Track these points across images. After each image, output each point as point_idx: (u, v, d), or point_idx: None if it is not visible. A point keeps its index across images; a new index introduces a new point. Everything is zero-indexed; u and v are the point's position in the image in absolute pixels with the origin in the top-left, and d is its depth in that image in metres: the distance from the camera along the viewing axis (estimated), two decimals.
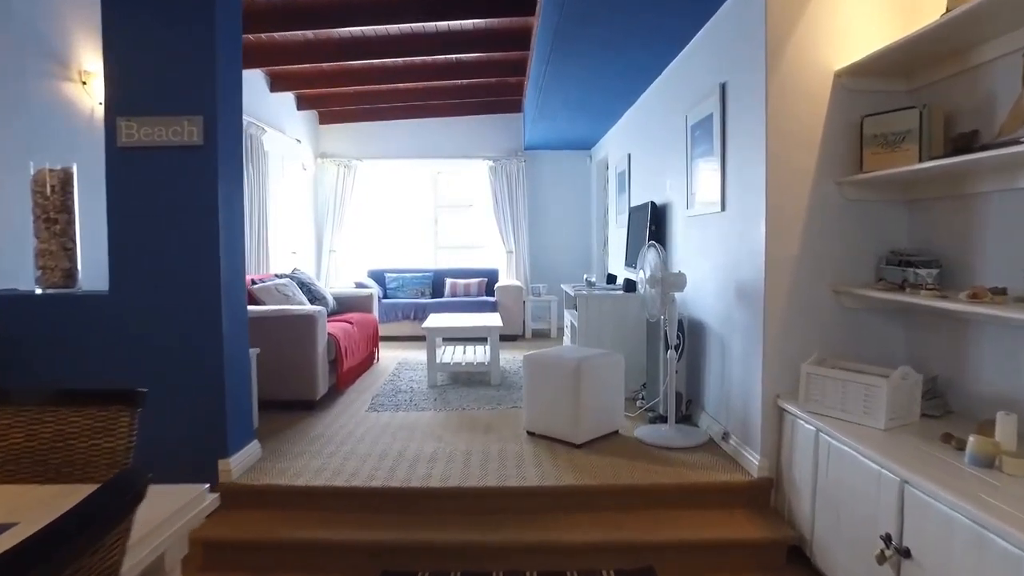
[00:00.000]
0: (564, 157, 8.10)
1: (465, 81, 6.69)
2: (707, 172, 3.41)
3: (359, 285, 7.12)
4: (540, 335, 7.53)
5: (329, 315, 5.36)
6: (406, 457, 3.20)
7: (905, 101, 2.55)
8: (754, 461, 2.83)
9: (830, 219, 2.72)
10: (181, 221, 2.83)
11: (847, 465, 2.16)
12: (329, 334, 4.38)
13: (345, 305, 5.80)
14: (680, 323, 3.62)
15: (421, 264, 8.16)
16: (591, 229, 8.07)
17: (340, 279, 7.87)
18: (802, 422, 2.52)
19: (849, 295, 2.70)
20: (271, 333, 4.05)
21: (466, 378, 5.03)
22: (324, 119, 7.93)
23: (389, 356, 6.12)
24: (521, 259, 7.95)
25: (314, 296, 5.31)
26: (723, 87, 3.21)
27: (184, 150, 2.79)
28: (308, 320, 4.04)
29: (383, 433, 3.61)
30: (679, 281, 3.25)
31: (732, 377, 3.13)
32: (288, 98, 6.86)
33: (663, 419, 3.57)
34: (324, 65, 6.10)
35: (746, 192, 2.91)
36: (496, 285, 7.21)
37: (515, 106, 7.54)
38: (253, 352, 3.62)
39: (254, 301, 4.50)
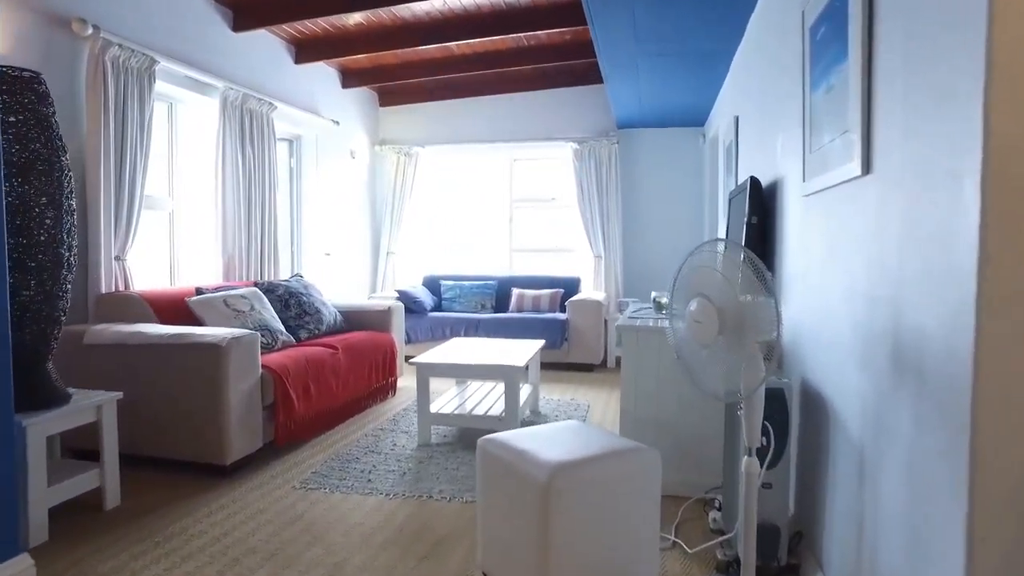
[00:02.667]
0: (668, 136, 6.34)
1: (529, 34, 5.23)
2: (835, 102, 1.68)
3: (402, 295, 5.90)
4: None
5: (323, 334, 4.14)
6: None
7: None
8: None
9: None
10: None
11: None
12: (266, 369, 3.13)
13: (357, 322, 4.57)
14: (779, 393, 1.91)
15: (491, 270, 6.79)
16: (703, 227, 6.23)
17: (399, 286, 6.72)
18: None
19: None
20: (168, 367, 2.86)
21: (475, 438, 3.56)
22: (385, 101, 6.84)
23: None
24: (612, 266, 6.32)
25: (303, 310, 4.12)
26: None
27: None
28: (211, 351, 2.79)
29: (269, 540, 2.26)
30: (757, 317, 1.55)
31: (886, 537, 1.39)
32: (327, 73, 5.80)
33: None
34: (349, 24, 4.94)
35: (927, 121, 1.19)
36: (570, 299, 5.65)
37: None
38: (104, 398, 2.43)
39: (192, 318, 3.37)
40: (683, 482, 2.67)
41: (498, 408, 3.51)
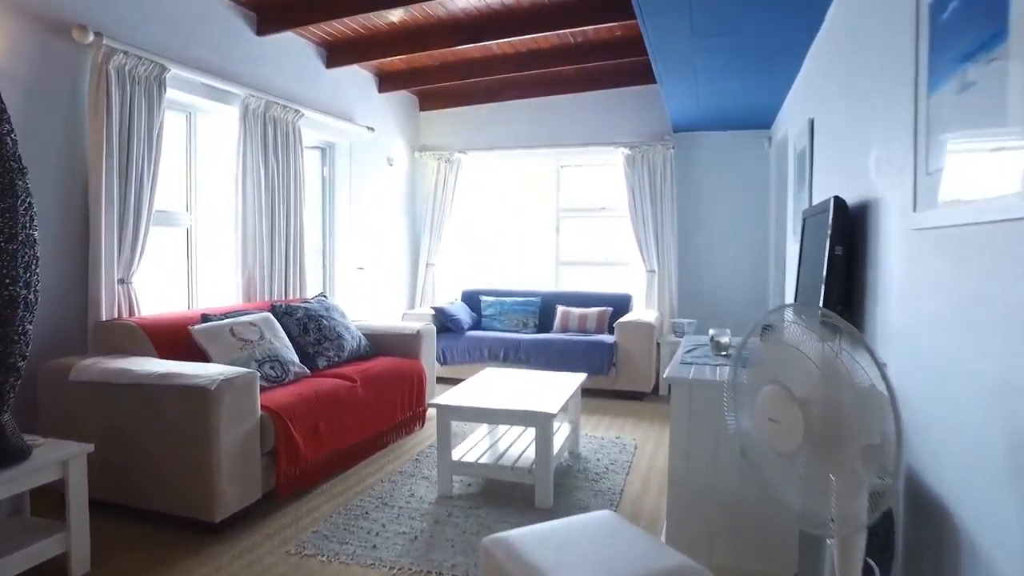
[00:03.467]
0: (729, 140, 5.76)
1: (575, 30, 4.78)
2: (976, 105, 1.18)
3: (438, 312, 5.54)
4: None
5: (343, 362, 3.81)
6: None
7: None
8: None
9: None
10: None
11: None
12: (267, 411, 2.79)
13: (384, 346, 4.22)
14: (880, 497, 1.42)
15: (535, 285, 6.36)
16: (768, 241, 5.64)
17: (439, 300, 6.38)
18: None
19: None
20: (154, 410, 2.56)
21: (504, 490, 3.13)
22: (425, 105, 6.52)
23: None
24: (666, 282, 5.79)
25: (323, 336, 3.79)
26: None
27: None
28: (198, 395, 2.47)
29: None
30: (863, 414, 1.08)
31: None
32: (361, 77, 5.51)
33: None
34: (382, 25, 4.61)
35: None
36: (618, 320, 5.16)
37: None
38: (71, 452, 2.14)
39: (196, 349, 3.08)
40: (748, 572, 2.18)
41: (532, 453, 3.08)
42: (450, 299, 6.23)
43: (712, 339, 2.78)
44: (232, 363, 3.05)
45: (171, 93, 3.65)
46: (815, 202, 3.20)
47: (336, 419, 3.21)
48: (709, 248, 5.88)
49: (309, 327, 3.79)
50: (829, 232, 2.17)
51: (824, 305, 2.15)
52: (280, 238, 4.35)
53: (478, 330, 5.65)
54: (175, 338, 3.08)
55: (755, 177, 5.72)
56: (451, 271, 6.60)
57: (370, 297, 5.71)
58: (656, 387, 5.22)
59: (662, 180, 5.74)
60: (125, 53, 3.19)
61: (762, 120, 5.38)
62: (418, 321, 5.42)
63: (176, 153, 3.94)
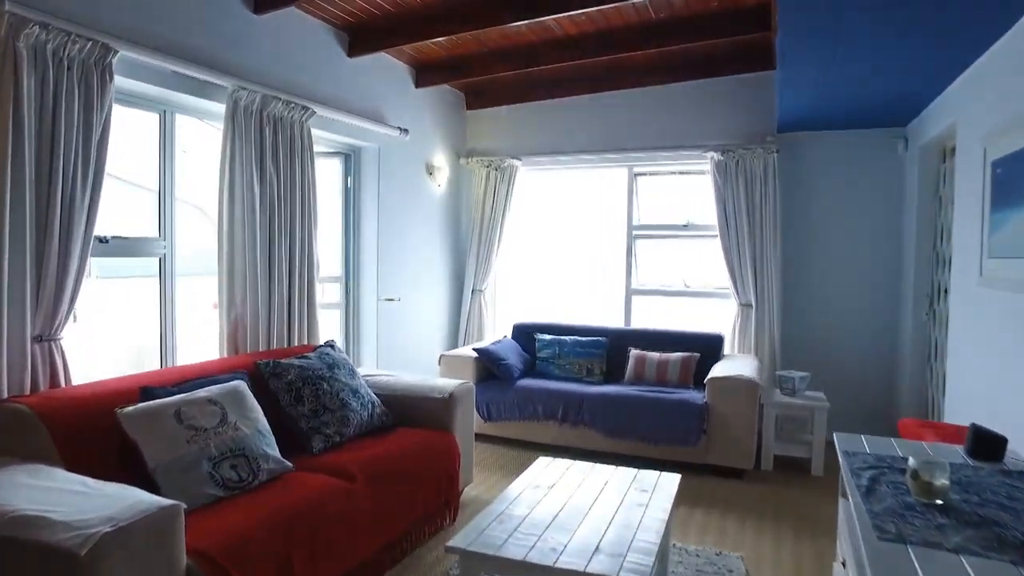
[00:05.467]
0: (850, 142, 4.53)
1: None
2: None
3: (482, 354, 4.51)
4: (789, 467, 4.09)
5: (348, 440, 2.84)
6: None
7: None
8: None
9: None
10: None
11: None
12: (199, 559, 1.81)
13: (406, 412, 3.21)
14: None
15: (602, 318, 5.27)
16: (904, 275, 4.37)
17: (486, 335, 5.39)
18: None
19: None
20: (8, 571, 1.63)
21: None
22: (473, 103, 5.54)
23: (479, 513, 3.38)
24: (766, 321, 4.60)
25: (321, 405, 2.83)
26: None
27: None
28: (60, 563, 1.51)
29: None
30: None
31: None
32: (394, 68, 4.57)
33: None
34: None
35: None
36: (710, 376, 4.00)
37: (760, 55, 4.24)
38: None
39: (127, 443, 2.15)
40: None
41: None
42: (498, 336, 5.21)
43: (915, 475, 1.64)
44: (173, 463, 2.11)
45: (133, 85, 2.81)
46: None
47: (322, 543, 2.22)
48: (821, 279, 4.65)
49: (303, 394, 2.83)
50: None
51: None
52: (281, 270, 3.42)
53: (531, 378, 4.58)
54: (93, 427, 2.16)
55: (884, 190, 4.48)
56: (502, 300, 5.60)
57: (403, 333, 4.75)
58: (757, 461, 4.03)
59: (763, 192, 4.57)
60: (45, 26, 2.31)
61: (895, 116, 4.15)
62: (458, 367, 4.44)
63: (147, 162, 3.08)
